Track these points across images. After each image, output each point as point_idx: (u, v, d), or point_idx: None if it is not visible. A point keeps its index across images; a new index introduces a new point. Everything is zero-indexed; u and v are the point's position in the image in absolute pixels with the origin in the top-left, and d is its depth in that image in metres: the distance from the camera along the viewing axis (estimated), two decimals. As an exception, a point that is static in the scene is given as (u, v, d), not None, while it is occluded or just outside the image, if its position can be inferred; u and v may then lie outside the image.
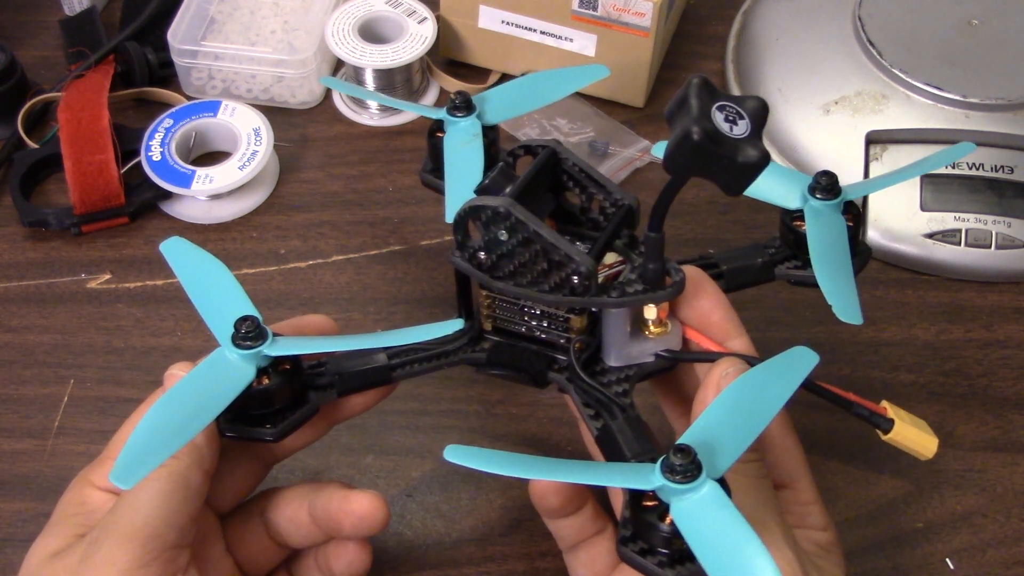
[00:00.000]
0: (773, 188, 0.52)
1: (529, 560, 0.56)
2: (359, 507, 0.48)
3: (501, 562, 0.56)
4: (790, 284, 0.53)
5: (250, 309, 0.47)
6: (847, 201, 0.51)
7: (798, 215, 0.51)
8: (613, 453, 0.45)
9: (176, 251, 0.51)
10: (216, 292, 0.49)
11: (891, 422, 0.47)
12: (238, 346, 0.45)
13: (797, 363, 0.43)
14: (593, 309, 0.48)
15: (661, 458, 0.38)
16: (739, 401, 0.41)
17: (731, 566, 0.36)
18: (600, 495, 0.50)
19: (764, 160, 0.38)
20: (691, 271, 0.47)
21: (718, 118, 0.37)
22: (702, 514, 0.37)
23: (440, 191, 0.55)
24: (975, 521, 0.58)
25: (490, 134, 0.56)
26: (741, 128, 0.38)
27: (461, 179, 0.52)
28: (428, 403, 0.61)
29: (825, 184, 0.51)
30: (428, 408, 0.61)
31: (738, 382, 0.42)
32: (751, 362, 0.45)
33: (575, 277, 0.45)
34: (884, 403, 0.47)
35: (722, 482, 0.38)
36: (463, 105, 0.56)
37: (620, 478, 0.39)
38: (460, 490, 0.58)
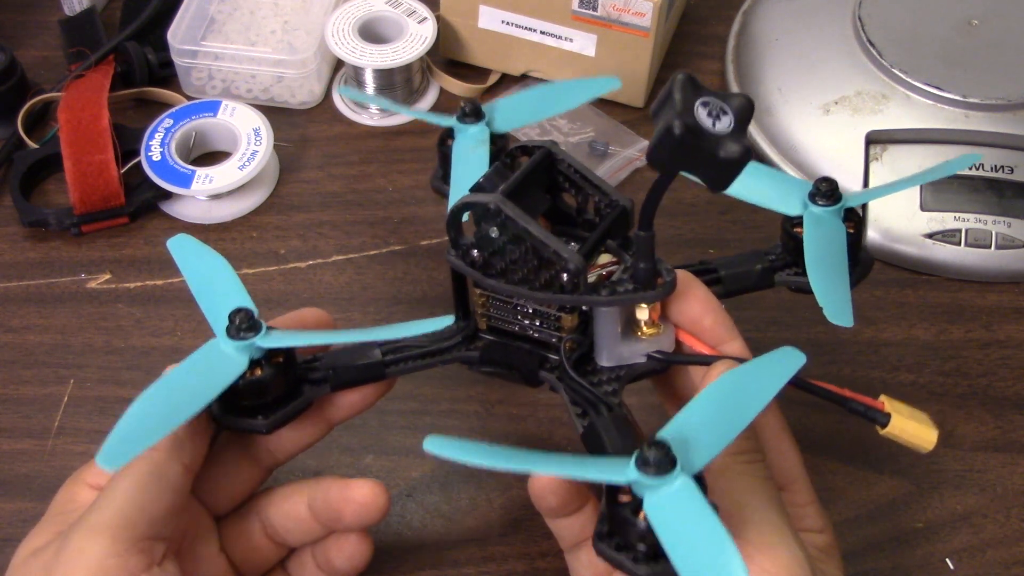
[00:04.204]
0: (774, 194, 0.52)
1: (529, 560, 0.56)
2: (360, 494, 0.48)
3: (501, 562, 0.56)
4: (790, 291, 0.53)
5: (247, 303, 0.47)
6: (848, 209, 0.51)
7: (798, 221, 0.51)
8: (597, 450, 0.45)
9: (182, 248, 0.51)
10: (217, 286, 0.49)
11: (887, 416, 0.46)
12: (232, 337, 0.46)
13: (783, 363, 0.43)
14: (584, 308, 0.48)
15: (636, 452, 0.38)
16: (722, 399, 0.41)
17: (700, 562, 0.36)
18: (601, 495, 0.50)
19: (745, 156, 0.37)
20: (681, 275, 0.47)
21: (701, 113, 0.37)
22: (673, 509, 0.37)
23: (449, 197, 0.55)
24: (975, 521, 0.58)
25: (499, 142, 0.56)
26: (724, 124, 0.38)
27: (465, 183, 0.52)
28: (428, 403, 0.61)
29: (825, 190, 0.51)
30: (428, 408, 0.61)
31: (721, 380, 0.42)
32: None
33: (564, 275, 0.45)
34: (883, 397, 0.47)
35: (699, 479, 0.38)
36: (473, 112, 0.56)
37: (595, 471, 0.39)
38: (460, 490, 0.58)
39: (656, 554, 0.38)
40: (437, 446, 0.40)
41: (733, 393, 0.41)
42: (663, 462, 0.37)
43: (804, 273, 0.51)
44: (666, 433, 0.39)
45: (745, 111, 0.38)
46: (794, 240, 0.52)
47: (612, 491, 0.39)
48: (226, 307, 0.46)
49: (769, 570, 0.40)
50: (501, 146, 0.56)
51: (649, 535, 0.38)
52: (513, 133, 0.73)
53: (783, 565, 0.41)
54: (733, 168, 0.38)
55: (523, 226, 0.44)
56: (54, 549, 0.43)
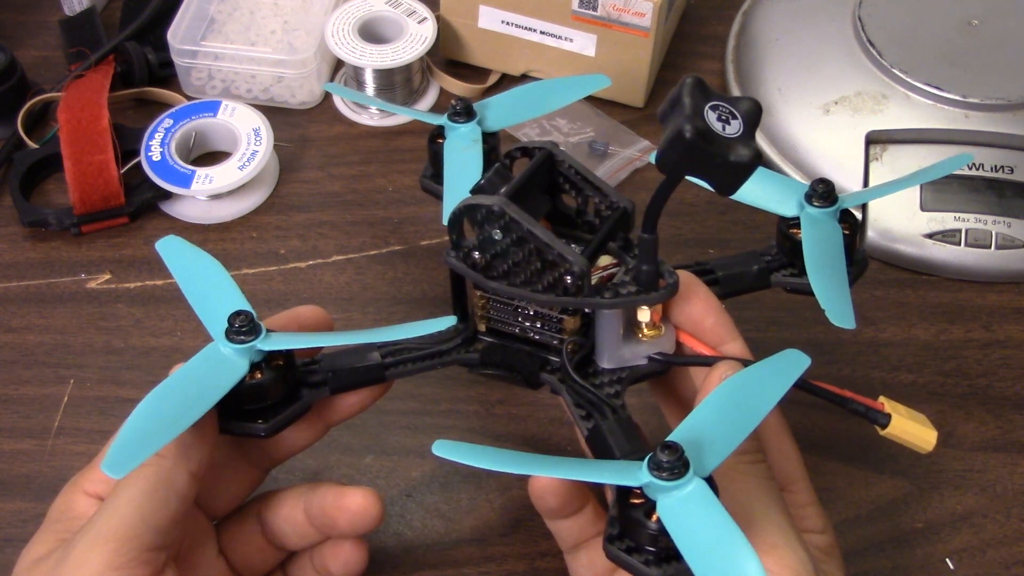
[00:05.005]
0: (770, 195, 0.53)
1: (529, 560, 0.56)
2: (353, 503, 0.48)
3: (501, 562, 0.56)
4: (786, 291, 0.53)
5: (244, 305, 0.47)
6: (844, 210, 0.52)
7: (795, 223, 0.52)
8: (603, 453, 0.45)
9: (171, 249, 0.51)
10: (211, 289, 0.49)
11: (888, 417, 0.47)
12: (232, 340, 0.45)
13: (789, 365, 0.43)
14: (586, 310, 0.48)
15: (648, 455, 0.38)
16: (729, 401, 0.41)
17: (717, 564, 0.36)
18: (601, 496, 0.50)
19: (756, 159, 0.38)
20: (683, 275, 0.47)
21: (711, 117, 0.38)
22: (688, 512, 0.37)
23: (440, 197, 0.55)
24: (975, 521, 0.58)
25: (490, 140, 0.56)
26: (734, 128, 0.38)
27: (459, 183, 0.52)
28: (428, 403, 0.61)
29: (822, 191, 0.51)
30: (428, 408, 0.61)
31: (729, 383, 0.42)
32: (747, 365, 0.45)
33: (568, 277, 0.45)
34: (882, 398, 0.47)
35: (710, 481, 0.38)
36: (464, 111, 0.56)
37: (607, 474, 0.39)
38: (460, 490, 0.58)
39: (668, 556, 0.38)
40: (447, 450, 0.40)
41: (740, 396, 0.41)
42: (676, 465, 0.37)
43: (800, 274, 0.51)
44: (677, 436, 0.39)
45: (754, 115, 0.39)
46: (790, 241, 0.52)
47: (623, 494, 0.39)
48: (221, 309, 0.46)
49: (773, 570, 0.40)
50: (492, 144, 0.56)
51: (661, 537, 0.38)
52: (513, 133, 0.73)
53: (787, 566, 0.41)
54: (743, 172, 0.38)
55: (527, 228, 0.44)
56: (56, 559, 0.42)
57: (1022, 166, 0.67)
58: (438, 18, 0.76)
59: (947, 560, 0.56)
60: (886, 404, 0.47)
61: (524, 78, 0.77)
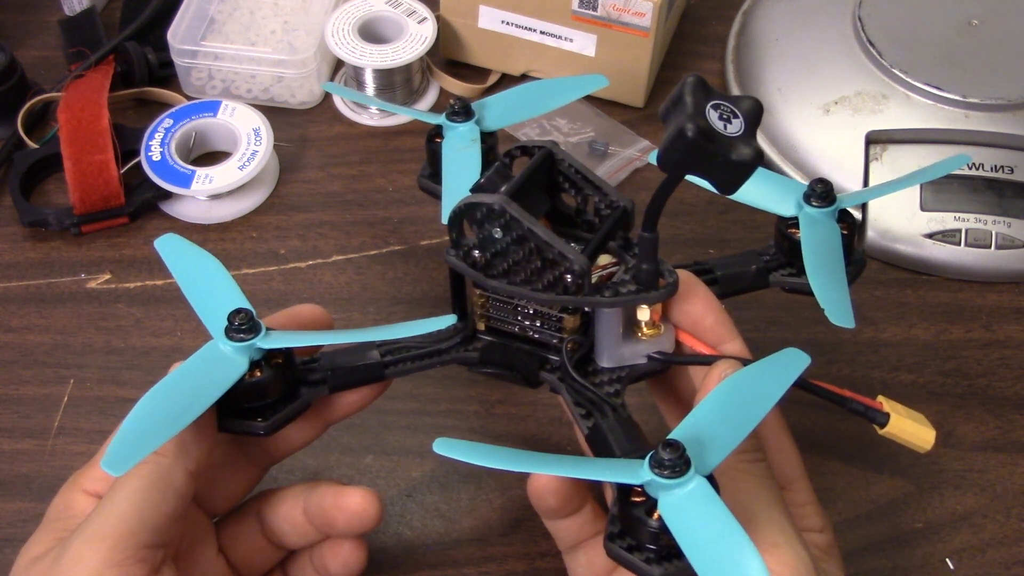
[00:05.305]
0: (768, 195, 0.53)
1: (529, 560, 0.56)
2: (352, 503, 0.48)
3: (501, 562, 0.56)
4: (784, 291, 0.53)
5: (244, 303, 0.47)
6: (842, 210, 0.52)
7: (793, 223, 0.52)
8: (603, 451, 0.45)
9: (170, 247, 0.51)
10: (210, 287, 0.49)
11: (886, 416, 0.47)
12: (231, 338, 0.45)
13: (789, 364, 0.43)
14: (586, 309, 0.48)
15: (650, 453, 0.38)
16: (730, 400, 0.41)
17: (719, 562, 0.36)
18: (600, 496, 0.50)
19: (757, 158, 0.38)
20: (682, 275, 0.47)
21: (712, 116, 0.38)
22: (690, 510, 0.37)
23: (438, 196, 0.55)
24: (975, 521, 0.58)
25: (488, 140, 0.56)
26: (735, 127, 0.38)
27: (458, 182, 0.52)
28: (428, 403, 0.61)
29: (820, 191, 0.51)
30: (428, 408, 0.61)
31: (729, 381, 0.42)
32: (746, 365, 0.45)
33: (568, 276, 0.45)
34: (880, 398, 0.47)
35: (711, 479, 0.38)
36: (462, 111, 0.56)
37: (608, 472, 0.39)
38: (460, 490, 0.58)
39: (669, 554, 0.38)
40: (447, 448, 0.40)
41: (740, 394, 0.41)
42: (678, 463, 0.37)
43: (798, 274, 0.51)
44: (678, 434, 0.39)
45: (755, 114, 0.39)
46: (788, 241, 0.52)
47: (624, 492, 0.39)
48: (221, 307, 0.46)
49: (774, 569, 0.40)
50: (491, 144, 0.56)
51: (662, 535, 0.38)
52: (512, 133, 0.73)
53: (788, 564, 0.41)
54: (744, 171, 0.38)
55: (528, 227, 0.44)
56: (53, 556, 0.42)
57: (1022, 166, 0.67)
58: (438, 18, 0.76)
59: (947, 560, 0.56)
60: (885, 403, 0.47)
61: (524, 78, 0.77)
